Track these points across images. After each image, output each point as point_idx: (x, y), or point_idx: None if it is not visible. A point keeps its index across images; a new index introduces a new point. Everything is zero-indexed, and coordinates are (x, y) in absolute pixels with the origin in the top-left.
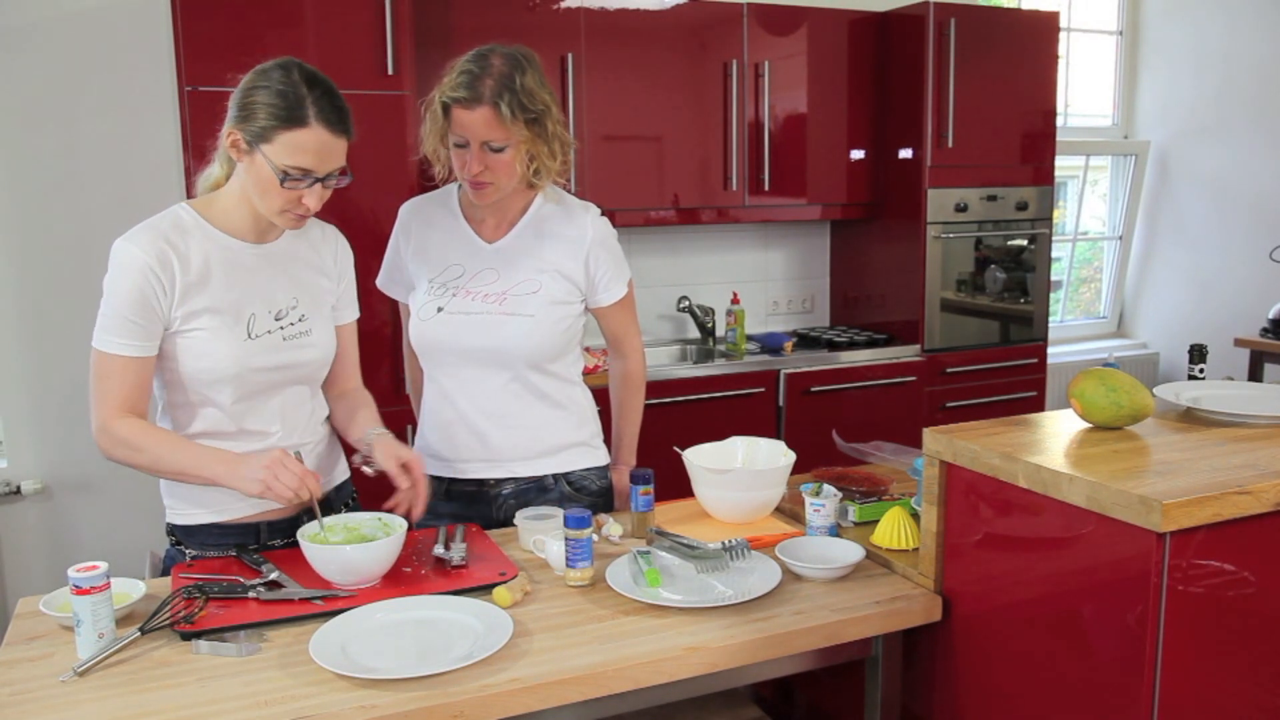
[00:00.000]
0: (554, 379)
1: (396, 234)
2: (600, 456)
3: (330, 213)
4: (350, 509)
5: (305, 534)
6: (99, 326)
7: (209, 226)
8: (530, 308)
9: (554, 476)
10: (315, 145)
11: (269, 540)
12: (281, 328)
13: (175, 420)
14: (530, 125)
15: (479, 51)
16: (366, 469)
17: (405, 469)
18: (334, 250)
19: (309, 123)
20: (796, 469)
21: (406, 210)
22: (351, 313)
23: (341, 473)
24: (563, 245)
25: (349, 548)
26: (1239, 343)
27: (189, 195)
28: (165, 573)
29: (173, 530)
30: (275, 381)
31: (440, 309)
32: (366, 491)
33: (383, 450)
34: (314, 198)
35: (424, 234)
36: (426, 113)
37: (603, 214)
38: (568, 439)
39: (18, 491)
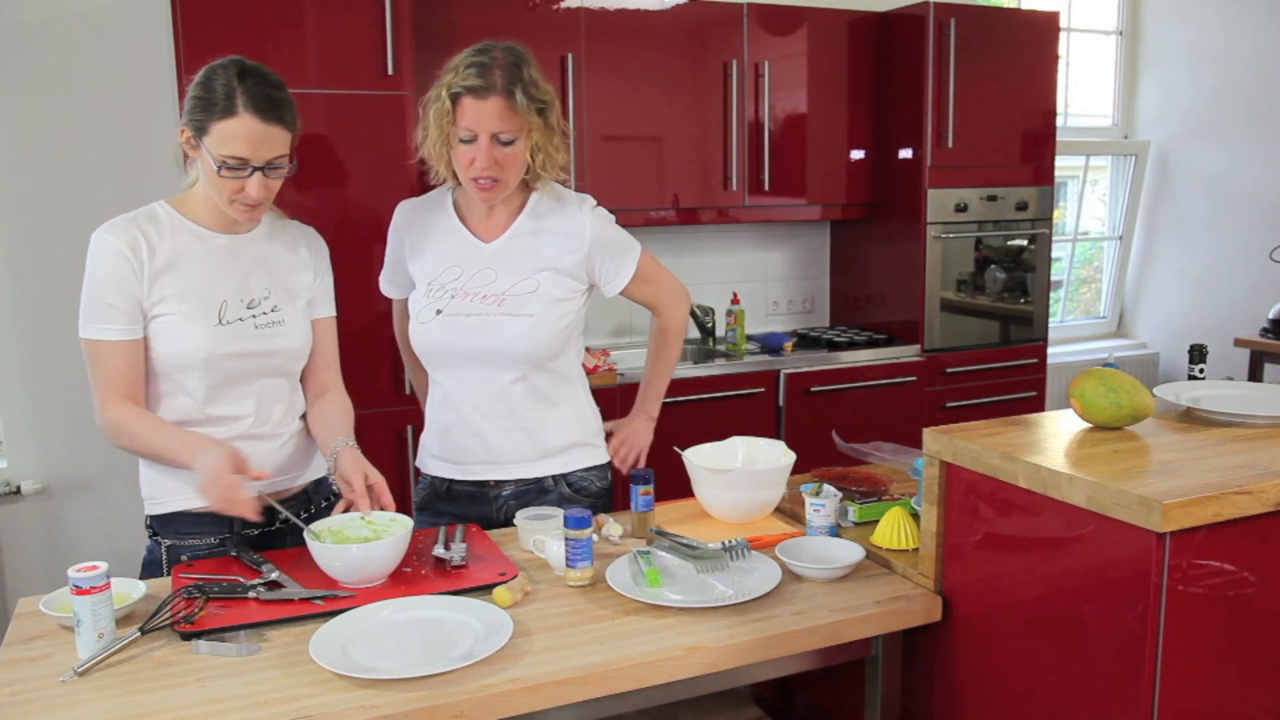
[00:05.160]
0: (554, 375)
1: (392, 234)
2: (600, 455)
3: (331, 213)
4: (330, 505)
5: (312, 531)
6: (81, 316)
7: (180, 217)
8: (529, 307)
9: (554, 478)
10: (246, 134)
11: (242, 530)
12: (254, 316)
13: (150, 408)
14: (540, 114)
15: (478, 46)
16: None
17: (371, 490)
18: (309, 247)
19: (237, 112)
20: (796, 469)
21: (401, 212)
22: (326, 309)
23: (317, 470)
24: (560, 241)
25: (355, 546)
26: (1239, 343)
27: None
28: (144, 569)
29: (150, 523)
30: (248, 370)
31: (439, 311)
32: None
33: (350, 463)
34: (255, 187)
35: (419, 238)
36: (430, 110)
37: (598, 205)
38: (569, 439)
39: (18, 491)
